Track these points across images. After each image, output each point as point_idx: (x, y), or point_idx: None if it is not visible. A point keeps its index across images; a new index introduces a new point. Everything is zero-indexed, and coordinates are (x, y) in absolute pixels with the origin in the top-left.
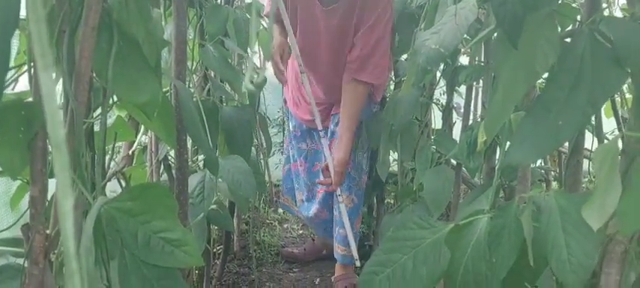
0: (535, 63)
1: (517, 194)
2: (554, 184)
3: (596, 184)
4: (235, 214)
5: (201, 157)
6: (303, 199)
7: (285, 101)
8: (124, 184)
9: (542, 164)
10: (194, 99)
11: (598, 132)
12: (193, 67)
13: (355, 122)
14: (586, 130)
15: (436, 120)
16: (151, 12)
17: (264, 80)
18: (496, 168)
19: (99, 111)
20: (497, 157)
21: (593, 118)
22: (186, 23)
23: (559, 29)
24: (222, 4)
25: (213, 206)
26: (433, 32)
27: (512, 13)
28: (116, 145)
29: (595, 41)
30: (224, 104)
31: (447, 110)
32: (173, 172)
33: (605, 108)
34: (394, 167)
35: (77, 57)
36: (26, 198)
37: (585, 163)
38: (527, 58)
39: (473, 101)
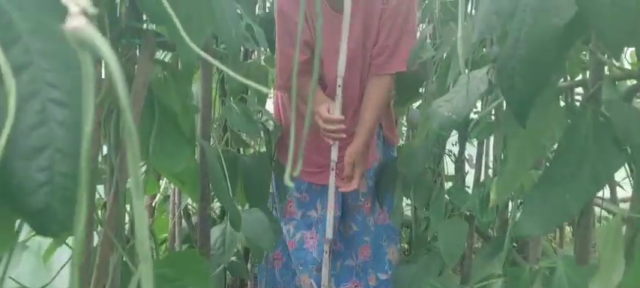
0: (542, 138)
1: (530, 261)
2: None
3: (601, 259)
4: (249, 258)
5: (217, 204)
6: (312, 282)
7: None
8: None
9: None
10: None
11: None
12: (214, 117)
13: (375, 118)
14: None
15: (449, 167)
16: (189, 86)
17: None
18: (508, 230)
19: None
20: (509, 210)
21: None
22: (211, 82)
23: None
24: (242, 59)
25: (233, 258)
26: (446, 99)
27: (519, 96)
28: None
29: (597, 122)
30: (242, 151)
31: (460, 161)
32: (192, 219)
33: None
34: (407, 211)
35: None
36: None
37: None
38: (534, 133)
39: (485, 152)
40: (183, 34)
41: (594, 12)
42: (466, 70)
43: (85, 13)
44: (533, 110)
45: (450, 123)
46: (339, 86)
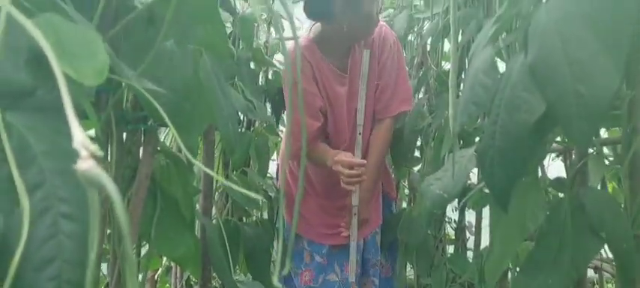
0: (526, 221)
1: None
2: None
3: None
4: None
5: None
6: None
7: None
8: None
9: None
10: (214, 220)
11: None
12: (216, 187)
13: (379, 163)
14: None
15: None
16: (190, 172)
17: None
18: None
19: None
20: (508, 279)
21: None
22: (214, 160)
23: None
24: (245, 128)
25: None
26: (437, 177)
27: (499, 184)
28: None
29: (575, 209)
30: (244, 219)
31: (460, 229)
32: None
33: None
34: (410, 275)
35: None
36: None
37: None
38: (518, 216)
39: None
40: (179, 140)
41: (562, 107)
42: (456, 143)
43: (93, 156)
44: (515, 195)
45: (441, 201)
46: (360, 134)
